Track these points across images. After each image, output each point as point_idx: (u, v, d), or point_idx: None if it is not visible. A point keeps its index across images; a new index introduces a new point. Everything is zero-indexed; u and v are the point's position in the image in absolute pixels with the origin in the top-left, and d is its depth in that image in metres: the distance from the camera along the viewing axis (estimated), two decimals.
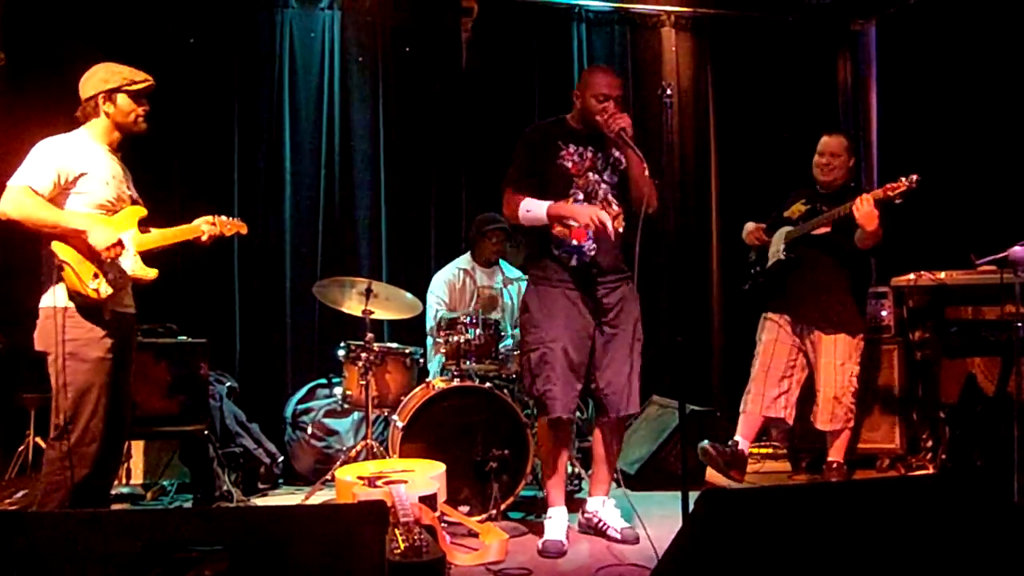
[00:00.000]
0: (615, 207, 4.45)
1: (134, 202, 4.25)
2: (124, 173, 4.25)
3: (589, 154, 4.46)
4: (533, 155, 4.49)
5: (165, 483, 5.57)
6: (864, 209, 4.81)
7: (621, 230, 4.43)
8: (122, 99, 4.13)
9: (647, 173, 4.25)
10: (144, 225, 4.23)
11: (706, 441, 5.25)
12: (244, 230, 4.54)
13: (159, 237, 4.25)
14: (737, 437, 5.35)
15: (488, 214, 6.04)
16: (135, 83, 4.16)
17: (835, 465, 5.26)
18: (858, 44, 7.57)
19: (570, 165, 4.43)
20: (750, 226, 5.56)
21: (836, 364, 5.15)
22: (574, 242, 4.38)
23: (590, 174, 4.44)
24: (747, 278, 5.57)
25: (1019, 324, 4.28)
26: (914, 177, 4.68)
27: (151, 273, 4.19)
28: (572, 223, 4.31)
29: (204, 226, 4.38)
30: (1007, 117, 5.89)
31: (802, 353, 5.28)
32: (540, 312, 4.46)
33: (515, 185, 4.46)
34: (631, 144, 4.23)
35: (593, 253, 4.41)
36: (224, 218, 4.46)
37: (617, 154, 4.44)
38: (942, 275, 5.41)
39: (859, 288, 5.48)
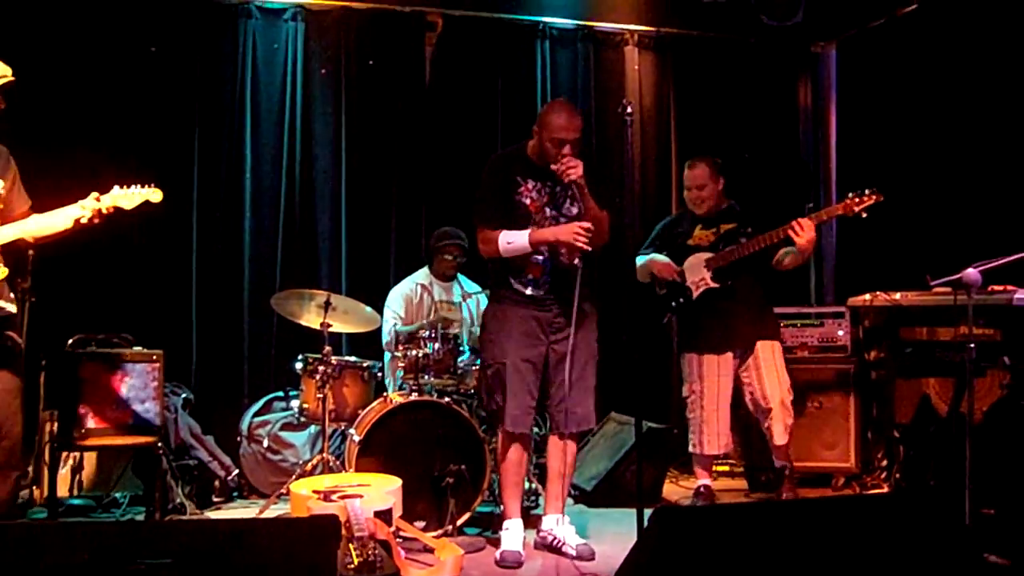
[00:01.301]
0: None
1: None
2: None
3: (547, 189, 4.52)
4: (495, 189, 4.54)
5: (117, 495, 5.47)
6: (807, 235, 4.91)
7: (578, 263, 4.47)
8: None
9: (593, 226, 4.33)
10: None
11: (693, 497, 5.42)
12: (155, 198, 4.12)
13: (11, 232, 3.90)
14: (705, 481, 5.45)
15: (444, 229, 6.03)
16: None
17: (787, 471, 5.35)
18: (818, 66, 7.64)
19: (528, 202, 4.50)
20: (662, 259, 5.39)
21: (776, 372, 5.25)
22: (530, 276, 4.49)
23: (547, 210, 4.51)
24: (667, 311, 5.43)
25: (972, 345, 4.33)
26: (875, 192, 4.78)
27: None
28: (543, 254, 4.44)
29: (83, 207, 3.94)
30: (964, 141, 5.98)
31: (736, 379, 5.33)
32: (496, 329, 4.54)
33: (487, 221, 4.51)
34: (582, 194, 4.32)
35: (547, 287, 4.50)
36: (127, 189, 4.05)
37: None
38: (897, 296, 5.46)
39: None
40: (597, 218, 4.40)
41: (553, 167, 4.33)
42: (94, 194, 4.00)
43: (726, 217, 5.34)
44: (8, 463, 3.94)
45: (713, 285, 5.25)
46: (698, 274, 5.30)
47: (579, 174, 4.27)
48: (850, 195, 4.92)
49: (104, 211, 4.00)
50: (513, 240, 4.40)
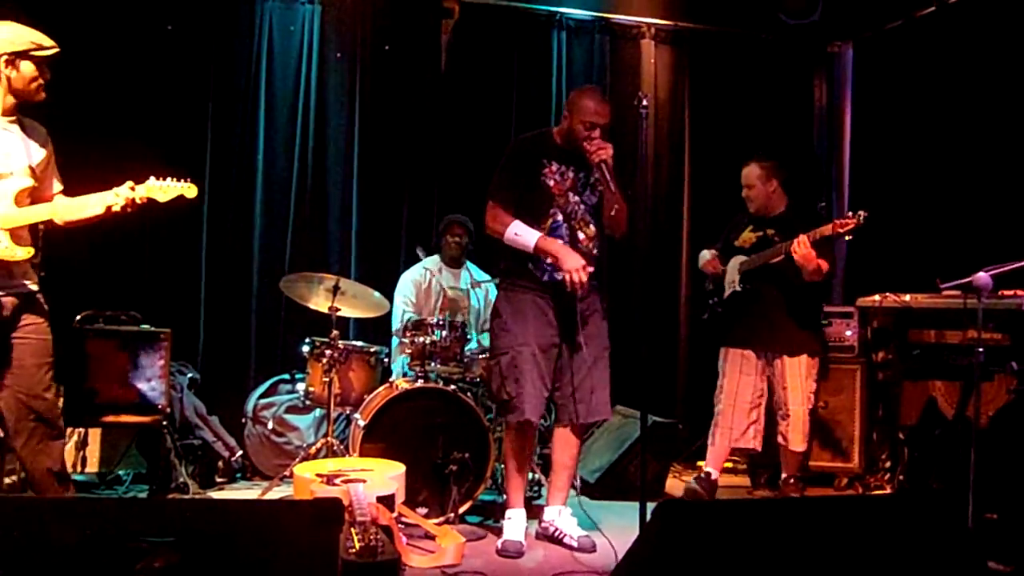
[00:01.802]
0: (592, 228, 4.50)
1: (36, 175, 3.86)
2: (20, 142, 3.86)
3: (571, 173, 4.48)
4: (518, 169, 4.50)
5: (121, 472, 5.51)
6: (801, 252, 4.90)
7: (591, 268, 4.44)
8: (26, 65, 3.78)
9: (613, 212, 4.38)
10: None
11: (692, 481, 5.36)
12: (191, 193, 3.97)
13: (40, 212, 3.86)
14: (709, 468, 5.40)
15: (451, 215, 6.07)
16: (43, 49, 3.80)
17: (792, 481, 5.30)
18: (834, 66, 7.62)
19: (552, 184, 4.45)
20: (707, 255, 5.58)
21: (801, 385, 5.20)
22: (549, 263, 4.41)
23: (570, 194, 4.48)
24: (706, 309, 5.62)
25: (980, 349, 4.31)
26: (862, 214, 4.75)
27: (17, 253, 3.78)
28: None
29: (117, 194, 3.86)
30: (977, 143, 5.96)
31: (766, 379, 5.31)
32: (511, 317, 4.48)
33: (501, 199, 4.47)
34: (609, 177, 4.27)
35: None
36: (163, 182, 3.93)
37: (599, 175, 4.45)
38: (907, 298, 5.45)
39: (816, 310, 5.48)
40: (621, 204, 4.40)
41: (584, 144, 4.32)
42: (129, 183, 3.91)
43: (773, 221, 5.32)
44: (51, 433, 3.93)
45: (737, 288, 5.32)
46: (732, 275, 5.38)
47: (608, 155, 4.27)
48: (845, 215, 4.92)
49: (137, 201, 3.91)
50: (521, 235, 4.37)
